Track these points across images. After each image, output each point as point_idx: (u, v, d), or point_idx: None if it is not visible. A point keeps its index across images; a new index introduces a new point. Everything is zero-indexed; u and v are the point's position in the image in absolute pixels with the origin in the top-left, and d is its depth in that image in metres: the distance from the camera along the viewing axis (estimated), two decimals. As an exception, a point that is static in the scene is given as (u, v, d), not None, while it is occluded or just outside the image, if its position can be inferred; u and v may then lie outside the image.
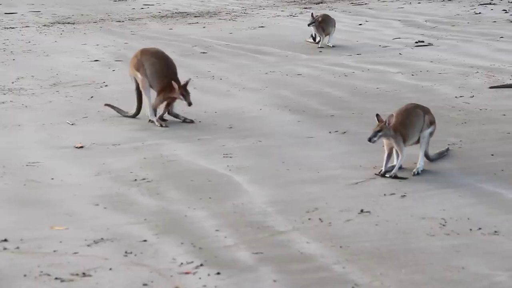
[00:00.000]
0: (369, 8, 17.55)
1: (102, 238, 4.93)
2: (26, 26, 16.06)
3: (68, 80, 10.18)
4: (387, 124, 5.95)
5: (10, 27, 15.93)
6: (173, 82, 7.55)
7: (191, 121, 7.76)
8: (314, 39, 12.59)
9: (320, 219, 5.19)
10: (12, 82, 10.10)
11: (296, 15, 16.91)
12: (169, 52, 12.06)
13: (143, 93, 7.88)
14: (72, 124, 7.89)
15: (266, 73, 10.35)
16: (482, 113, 7.91)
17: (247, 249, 4.73)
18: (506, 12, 16.10)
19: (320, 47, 12.34)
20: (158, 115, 7.77)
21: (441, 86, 9.23)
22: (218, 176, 6.15)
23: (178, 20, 16.68)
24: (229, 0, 20.21)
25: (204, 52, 12.21)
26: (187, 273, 4.42)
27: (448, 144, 6.73)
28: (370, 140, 5.97)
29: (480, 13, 16.11)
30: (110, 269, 4.49)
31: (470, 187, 5.74)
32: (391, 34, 13.52)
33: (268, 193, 5.72)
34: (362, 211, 5.31)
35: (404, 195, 5.61)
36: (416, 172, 6.06)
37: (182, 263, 4.54)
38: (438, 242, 4.76)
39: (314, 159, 6.54)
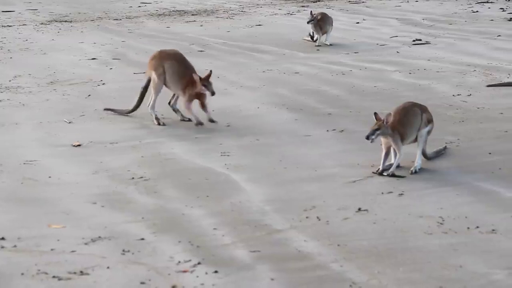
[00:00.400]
0: (367, 7, 17.55)
1: (99, 237, 4.92)
2: (24, 24, 16.04)
3: (66, 78, 10.17)
4: (385, 123, 5.95)
5: (7, 25, 15.91)
6: (193, 74, 7.55)
7: (189, 120, 7.74)
8: (312, 37, 12.59)
9: (317, 217, 5.19)
10: (9, 80, 10.09)
11: (294, 13, 16.91)
12: (166, 50, 12.14)
13: (152, 92, 7.83)
14: (70, 123, 7.88)
15: (264, 71, 10.35)
16: (480, 112, 7.91)
17: (244, 247, 4.72)
18: (503, 11, 16.11)
19: (318, 46, 12.34)
20: (195, 117, 7.64)
21: (439, 84, 9.23)
22: (215, 174, 6.15)
23: (175, 18, 16.67)
24: (226, -2, 20.20)
25: (201, 51, 12.21)
26: (184, 271, 4.42)
27: (446, 143, 6.73)
28: (368, 138, 5.97)
29: (477, 11, 16.12)
30: (108, 267, 4.48)
31: (467, 186, 5.74)
32: (389, 33, 13.53)
33: (265, 192, 5.72)
34: (359, 209, 5.31)
35: (401, 194, 5.61)
36: (413, 171, 6.06)
37: (179, 262, 4.53)
38: (436, 241, 4.76)
39: (312, 157, 6.53)
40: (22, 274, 4.40)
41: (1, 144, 7.13)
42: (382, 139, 6.06)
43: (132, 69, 10.70)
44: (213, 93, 7.53)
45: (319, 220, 5.14)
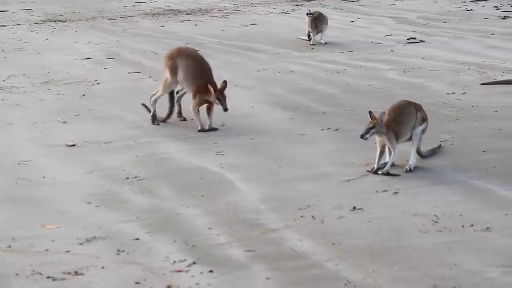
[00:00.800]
0: (361, 5, 17.56)
1: (94, 237, 4.92)
2: (18, 24, 16.01)
3: (60, 78, 10.16)
4: (379, 121, 5.95)
5: (1, 25, 15.88)
6: (209, 85, 7.25)
7: (184, 119, 7.69)
8: (309, 36, 12.57)
9: (312, 216, 5.19)
10: (4, 80, 10.07)
11: (288, 12, 16.91)
12: (161, 50, 12.13)
13: (160, 88, 7.64)
14: (64, 122, 7.87)
15: (258, 70, 10.34)
16: (474, 110, 7.92)
17: (239, 246, 4.72)
18: (497, 9, 16.13)
19: (312, 44, 12.34)
20: (207, 126, 7.41)
21: (433, 83, 9.24)
22: (210, 174, 6.14)
23: (170, 18, 16.66)
24: (221, -2, 20.19)
25: (196, 50, 12.19)
26: (179, 271, 4.41)
27: (440, 141, 6.74)
28: (362, 137, 5.97)
29: (471, 9, 16.14)
30: (103, 267, 4.48)
31: (462, 184, 5.75)
32: (383, 31, 13.53)
33: (260, 191, 5.71)
34: (354, 208, 5.31)
35: (396, 192, 5.62)
36: (408, 169, 6.06)
37: (174, 261, 4.53)
38: (431, 239, 4.76)
39: (307, 156, 6.53)
40: (17, 274, 4.40)
41: (-4, 144, 7.12)
42: (376, 138, 6.06)
43: (126, 69, 10.69)
44: (226, 110, 7.20)
45: (314, 219, 5.14)
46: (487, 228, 4.92)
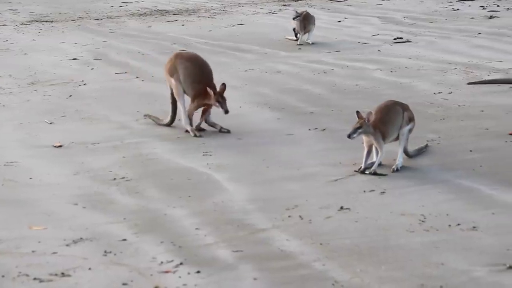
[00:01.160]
0: (348, 5, 17.59)
1: (81, 238, 4.90)
2: (4, 25, 15.94)
3: (46, 79, 10.12)
4: (366, 121, 5.96)
5: (-13, 26, 15.80)
6: (207, 88, 7.11)
7: (228, 131, 7.30)
8: (296, 35, 12.56)
9: (300, 216, 5.19)
10: (-10, 81, 10.02)
11: (275, 12, 16.91)
12: (148, 50, 12.13)
13: (177, 100, 7.40)
14: (51, 123, 7.84)
15: (246, 70, 10.34)
16: (461, 109, 7.95)
17: (227, 247, 4.72)
18: (483, 9, 16.19)
19: (299, 44, 12.35)
20: (194, 125, 7.33)
21: (420, 82, 9.27)
22: (197, 174, 6.14)
23: (157, 18, 16.63)
24: (208, -2, 20.18)
25: (183, 50, 12.17)
26: (167, 272, 4.41)
27: (427, 141, 6.76)
28: (349, 136, 5.98)
29: (458, 9, 16.19)
30: (90, 268, 4.46)
31: (449, 183, 5.77)
32: (370, 31, 13.55)
33: (248, 191, 5.71)
34: (342, 208, 5.32)
35: (383, 192, 5.63)
36: (395, 169, 6.08)
37: (162, 262, 4.52)
38: (418, 238, 4.77)
39: (294, 156, 6.54)
40: (3, 276, 4.38)
41: (-18, 146, 7.09)
42: (364, 138, 6.07)
43: (113, 69, 10.66)
44: (226, 112, 7.06)
45: (302, 219, 5.15)
46: (474, 227, 4.93)
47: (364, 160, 6.09)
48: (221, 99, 7.10)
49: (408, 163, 6.23)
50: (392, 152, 6.15)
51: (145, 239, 4.86)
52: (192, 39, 13.29)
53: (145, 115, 7.80)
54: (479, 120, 7.50)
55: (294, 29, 12.60)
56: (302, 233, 4.90)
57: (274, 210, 5.31)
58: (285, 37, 12.97)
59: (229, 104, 7.20)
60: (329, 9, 16.98)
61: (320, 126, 7.45)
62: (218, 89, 7.15)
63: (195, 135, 7.20)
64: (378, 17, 15.38)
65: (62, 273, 4.40)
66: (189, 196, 5.63)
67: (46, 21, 16.44)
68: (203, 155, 6.64)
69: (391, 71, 9.98)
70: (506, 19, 14.54)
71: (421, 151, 6.51)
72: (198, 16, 16.73)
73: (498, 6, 16.53)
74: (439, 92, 8.71)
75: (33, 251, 4.72)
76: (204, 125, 7.42)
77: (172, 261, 4.53)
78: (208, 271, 4.39)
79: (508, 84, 9.03)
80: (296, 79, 9.71)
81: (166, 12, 17.66)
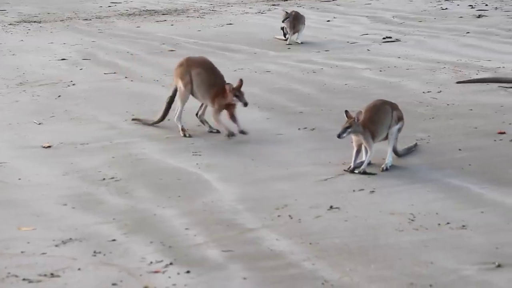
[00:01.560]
0: (337, 5, 17.60)
1: (70, 238, 4.89)
2: (-8, 25, 15.88)
3: (35, 79, 10.09)
4: (356, 121, 5.97)
5: (-24, 26, 15.74)
6: (226, 85, 7.05)
7: (217, 131, 7.28)
8: (285, 35, 12.57)
9: (289, 216, 5.19)
10: (-22, 82, 9.98)
11: (264, 12, 16.91)
12: (137, 50, 12.11)
13: (178, 102, 7.33)
14: (39, 124, 7.82)
15: (235, 70, 10.33)
16: (450, 108, 7.97)
17: (216, 247, 4.72)
18: (472, 8, 16.23)
19: (289, 44, 12.35)
20: (226, 127, 7.14)
21: (409, 81, 9.28)
22: (187, 174, 6.13)
23: (146, 18, 16.60)
24: (197, -2, 20.16)
25: (172, 50, 12.16)
26: (156, 272, 4.40)
27: (416, 140, 6.77)
28: (339, 136, 5.98)
29: (446, 8, 16.23)
30: (79, 269, 4.45)
31: (438, 182, 5.78)
32: (359, 31, 13.57)
33: (237, 191, 5.71)
34: (331, 207, 5.32)
35: (373, 191, 5.64)
36: (384, 168, 6.08)
37: (151, 262, 4.52)
38: (407, 237, 4.78)
39: (283, 156, 6.54)
40: (-8, 277, 4.36)
41: (-30, 146, 7.06)
42: (353, 137, 6.08)
43: (102, 69, 10.64)
44: (245, 104, 7.01)
45: (291, 218, 5.15)
46: (463, 226, 4.95)
47: (353, 159, 6.09)
48: (238, 93, 7.04)
49: (397, 162, 6.24)
50: (382, 151, 6.16)
51: (134, 239, 4.85)
52: (181, 39, 13.27)
53: (133, 119, 7.75)
54: (468, 119, 7.52)
55: (282, 28, 12.60)
56: (291, 233, 4.90)
57: (264, 209, 5.31)
58: (274, 36, 12.97)
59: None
60: (318, 9, 16.99)
61: (310, 125, 7.46)
62: (234, 85, 7.08)
63: (228, 135, 7.09)
64: (367, 16, 15.40)
65: (51, 274, 4.39)
66: (179, 196, 5.63)
67: (35, 22, 16.39)
68: (193, 155, 6.63)
69: (380, 71, 9.99)
70: (494, 18, 14.58)
71: (410, 150, 6.52)
72: (187, 16, 16.71)
73: (486, 5, 16.58)
74: (428, 91, 8.73)
75: (22, 252, 4.70)
76: (193, 123, 7.41)
77: (161, 261, 4.53)
78: (197, 271, 4.39)
79: (496, 83, 9.06)
80: (285, 78, 9.71)
81: (155, 12, 17.63)
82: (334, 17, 15.43)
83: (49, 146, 6.99)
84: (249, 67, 10.48)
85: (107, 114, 8.08)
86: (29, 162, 6.55)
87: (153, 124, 7.57)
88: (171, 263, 4.49)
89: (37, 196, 5.70)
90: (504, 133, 6.97)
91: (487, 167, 6.10)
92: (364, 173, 6.00)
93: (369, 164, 6.08)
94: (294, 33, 12.42)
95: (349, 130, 5.98)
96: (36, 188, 5.88)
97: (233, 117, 7.18)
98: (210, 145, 6.90)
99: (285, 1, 18.85)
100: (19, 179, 6.11)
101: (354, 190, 5.66)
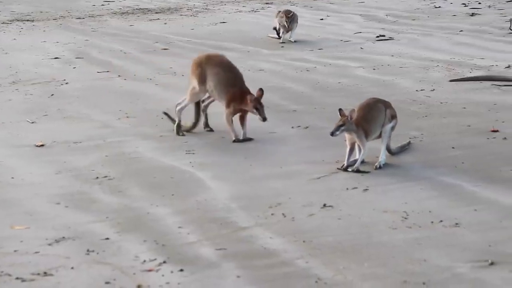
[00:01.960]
0: (331, 3, 17.61)
1: (63, 237, 4.88)
2: (-15, 24, 15.84)
3: (28, 78, 10.07)
4: (349, 119, 5.97)
5: (-32, 25, 15.70)
6: (248, 95, 6.85)
7: (211, 130, 7.24)
8: (278, 33, 12.57)
9: (283, 214, 5.19)
10: (-29, 81, 9.96)
11: (258, 10, 16.91)
12: (130, 49, 12.09)
13: (187, 97, 7.16)
14: (32, 123, 7.80)
15: (228, 68, 10.31)
16: (443, 107, 7.97)
17: (210, 245, 4.71)
18: (465, 6, 16.26)
19: (282, 42, 12.35)
20: (235, 132, 6.98)
21: (402, 80, 9.29)
22: (180, 172, 6.13)
23: (139, 17, 16.59)
24: (190, -4, 20.15)
25: (165, 49, 12.16)
26: (150, 270, 4.40)
27: (410, 138, 6.78)
28: (332, 134, 5.98)
29: (439, 7, 16.25)
30: (72, 268, 4.45)
31: (431, 180, 5.78)
32: (352, 29, 13.58)
33: (231, 189, 5.71)
34: (324, 205, 5.32)
35: (366, 189, 5.64)
36: (378, 166, 6.09)
37: (145, 261, 4.51)
38: (400, 235, 4.79)
39: (277, 154, 6.54)
40: (-15, 276, 4.35)
41: (-37, 145, 7.04)
42: (346, 135, 6.08)
43: (95, 68, 10.63)
44: (264, 120, 6.79)
45: (285, 216, 5.15)
46: (456, 223, 4.95)
47: (346, 157, 6.10)
48: (259, 106, 6.82)
49: (390, 160, 6.25)
50: (375, 149, 6.16)
51: (128, 238, 4.85)
52: (174, 37, 13.26)
53: (164, 112, 7.45)
54: (461, 117, 7.53)
55: (275, 28, 12.59)
56: (285, 231, 4.90)
57: (257, 208, 5.31)
58: (268, 35, 12.96)
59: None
60: (311, 7, 17.00)
61: (303, 124, 7.46)
62: (255, 94, 6.89)
63: (236, 140, 6.94)
64: (360, 15, 15.41)
65: (45, 273, 4.38)
66: (172, 195, 5.62)
67: (28, 20, 16.36)
68: (186, 153, 6.62)
69: (374, 69, 10.00)
70: (487, 16, 14.61)
71: (403, 148, 6.53)
72: (181, 15, 16.70)
73: (479, 3, 16.60)
74: (421, 90, 8.74)
75: (15, 251, 4.69)
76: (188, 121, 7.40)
77: (155, 259, 4.52)
78: (191, 270, 4.39)
79: (489, 81, 9.07)
80: (278, 77, 9.71)
81: (148, 11, 17.61)
82: (328, 16, 15.44)
83: (42, 145, 6.98)
84: (243, 66, 10.44)
85: (100, 112, 8.07)
86: (22, 161, 6.54)
87: (190, 130, 7.27)
88: (164, 262, 4.49)
89: (30, 195, 5.69)
90: (497, 131, 6.98)
91: (480, 165, 6.11)
92: (358, 171, 6.00)
93: (363, 162, 6.08)
94: (287, 31, 12.42)
95: (343, 128, 5.98)
96: (29, 187, 5.87)
97: (243, 121, 7.03)
98: (204, 144, 6.90)
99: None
100: (12, 178, 6.10)
101: (347, 188, 5.66)
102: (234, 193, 5.63)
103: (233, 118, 7.02)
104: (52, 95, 9.05)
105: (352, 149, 6.12)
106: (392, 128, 6.25)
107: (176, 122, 7.24)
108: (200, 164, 6.31)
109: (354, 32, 13.23)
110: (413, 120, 7.44)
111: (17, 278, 4.32)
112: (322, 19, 15.06)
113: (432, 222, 4.99)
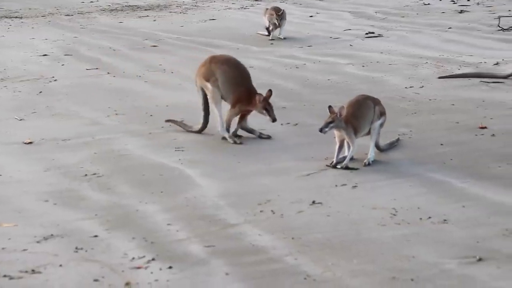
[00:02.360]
0: (320, 0, 17.62)
1: (52, 234, 4.87)
2: (-27, 21, 15.78)
3: (16, 75, 10.04)
4: (338, 116, 5.97)
5: (-44, 22, 15.64)
6: (256, 95, 6.70)
7: (268, 137, 6.92)
8: (268, 31, 12.55)
9: (272, 211, 5.19)
10: (-41, 78, 9.92)
11: (247, 7, 16.90)
12: (119, 46, 12.07)
13: (213, 107, 6.92)
14: (21, 120, 7.78)
15: (217, 65, 10.31)
16: (432, 103, 7.99)
17: (199, 242, 4.71)
18: (454, 3, 16.30)
19: (271, 39, 12.35)
20: (231, 131, 6.89)
21: (391, 77, 9.31)
22: (169, 169, 6.12)
23: (128, 13, 16.56)
24: (179, -7, 20.12)
25: (155, 46, 12.14)
26: (138, 267, 4.39)
27: (399, 134, 6.79)
28: (321, 131, 5.99)
29: (429, 4, 16.29)
30: (60, 265, 4.43)
31: (420, 177, 5.80)
32: (342, 26, 13.59)
33: (220, 186, 5.70)
34: (313, 202, 5.33)
35: (355, 186, 5.64)
36: (367, 163, 6.10)
37: (133, 258, 4.50)
38: (389, 232, 4.79)
39: (266, 151, 6.54)
40: (-27, 274, 4.34)
41: (-49, 143, 7.01)
42: (335, 132, 6.08)
43: (84, 65, 10.60)
44: (274, 120, 6.70)
45: (274, 213, 5.15)
46: (445, 220, 4.96)
47: (336, 154, 6.10)
48: (268, 107, 6.73)
49: (379, 157, 6.26)
50: (364, 146, 6.17)
51: (116, 235, 4.84)
52: (164, 34, 13.24)
53: (167, 120, 7.32)
54: (450, 114, 7.54)
55: (267, 28, 12.58)
56: (274, 228, 4.90)
57: (246, 205, 5.31)
58: (257, 32, 12.96)
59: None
60: (301, 4, 17.00)
61: (292, 121, 7.46)
62: (264, 94, 6.75)
63: (235, 142, 6.79)
64: (349, 11, 15.42)
65: (33, 270, 4.37)
66: (161, 192, 5.61)
67: (16, 17, 16.30)
68: (175, 150, 6.61)
69: (363, 66, 10.01)
70: (476, 13, 14.65)
71: (392, 145, 6.54)
72: (170, 12, 16.68)
73: (468, 0, 16.65)
74: (410, 86, 8.76)
75: (3, 248, 4.68)
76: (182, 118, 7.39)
77: (143, 257, 4.51)
78: (180, 267, 4.38)
79: (478, 78, 9.10)
80: (268, 74, 9.71)
81: (138, 8, 17.58)
82: (317, 13, 15.45)
83: (30, 142, 6.96)
84: (232, 63, 10.45)
85: (89, 110, 8.05)
86: (10, 158, 6.52)
87: (195, 132, 7.13)
88: (153, 259, 4.48)
89: (18, 192, 5.67)
90: (485, 127, 7.00)
91: (469, 161, 6.12)
92: (347, 168, 6.01)
93: (352, 159, 6.09)
94: (276, 28, 12.42)
95: (332, 125, 5.98)
96: (17, 184, 5.85)
97: (242, 119, 6.94)
98: (193, 141, 6.89)
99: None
100: (0, 175, 6.08)
101: (336, 185, 5.66)
102: (223, 190, 5.63)
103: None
104: (41, 92, 9.02)
105: (341, 146, 6.12)
106: (381, 125, 6.26)
107: (232, 132, 6.93)
108: (189, 161, 6.31)
109: (344, 29, 13.24)
110: (402, 116, 7.45)
111: (4, 276, 4.31)
112: (311, 16, 15.06)
113: (420, 218, 5.00)
